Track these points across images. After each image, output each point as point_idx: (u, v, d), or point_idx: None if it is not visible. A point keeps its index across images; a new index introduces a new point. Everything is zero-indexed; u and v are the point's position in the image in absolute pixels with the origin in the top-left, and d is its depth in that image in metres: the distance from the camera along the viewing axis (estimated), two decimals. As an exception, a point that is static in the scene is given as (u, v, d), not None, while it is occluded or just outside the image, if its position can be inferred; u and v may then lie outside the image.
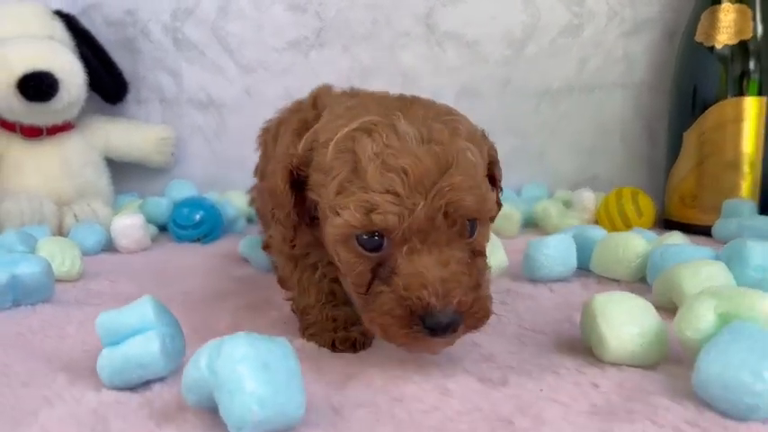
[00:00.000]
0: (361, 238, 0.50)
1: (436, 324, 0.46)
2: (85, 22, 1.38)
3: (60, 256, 0.88)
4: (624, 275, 0.83)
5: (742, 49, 1.16)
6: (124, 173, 1.44)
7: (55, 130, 1.28)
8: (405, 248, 0.48)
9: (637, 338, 0.54)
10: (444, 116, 0.51)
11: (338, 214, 0.49)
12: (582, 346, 0.59)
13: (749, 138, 1.17)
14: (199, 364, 0.43)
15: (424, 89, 1.39)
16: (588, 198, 1.26)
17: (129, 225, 1.09)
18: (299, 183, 0.55)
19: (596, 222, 1.24)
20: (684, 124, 1.24)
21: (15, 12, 1.25)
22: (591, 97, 1.43)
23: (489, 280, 0.53)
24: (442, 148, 0.48)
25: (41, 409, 0.47)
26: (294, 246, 0.60)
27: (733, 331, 0.47)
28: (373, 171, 0.47)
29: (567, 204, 1.33)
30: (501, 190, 0.60)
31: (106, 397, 0.50)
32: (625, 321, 0.54)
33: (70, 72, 1.21)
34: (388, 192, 0.47)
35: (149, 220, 1.21)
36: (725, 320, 0.52)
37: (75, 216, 1.19)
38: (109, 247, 1.11)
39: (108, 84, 1.37)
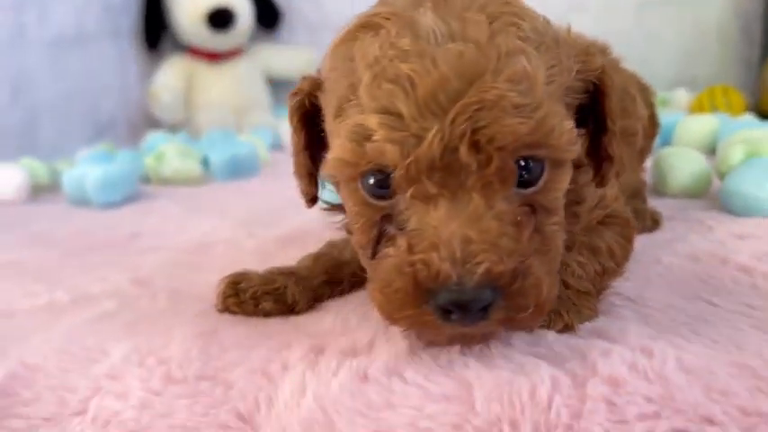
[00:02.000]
0: (368, 180, 0.36)
1: (451, 302, 0.33)
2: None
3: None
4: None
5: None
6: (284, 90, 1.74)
7: (229, 55, 1.60)
8: (411, 193, 0.35)
9: (687, 177, 0.76)
10: (498, 7, 0.36)
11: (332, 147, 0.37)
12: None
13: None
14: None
15: (537, 6, 1.57)
16: (682, 96, 1.42)
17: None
18: (313, 117, 0.42)
19: (691, 117, 1.40)
20: (777, 24, 1.35)
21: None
22: (690, 3, 1.54)
23: (560, 253, 0.39)
24: (473, 49, 0.34)
25: None
26: (313, 202, 0.46)
27: (749, 163, 0.69)
28: (368, 82, 0.34)
29: (664, 103, 1.49)
30: (614, 134, 0.42)
31: None
32: (680, 166, 0.77)
33: (242, 6, 1.52)
34: (386, 111, 0.34)
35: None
36: (749, 158, 0.73)
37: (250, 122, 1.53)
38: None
39: (266, 13, 1.66)
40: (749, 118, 1.08)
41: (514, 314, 0.34)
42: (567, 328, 0.40)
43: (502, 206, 0.34)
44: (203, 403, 0.36)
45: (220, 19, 1.48)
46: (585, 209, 0.47)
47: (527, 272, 0.34)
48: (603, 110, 0.41)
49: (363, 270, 0.51)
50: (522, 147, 0.34)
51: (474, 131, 0.33)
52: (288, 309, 0.47)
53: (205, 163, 1.11)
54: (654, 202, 0.74)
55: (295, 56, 1.72)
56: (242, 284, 0.47)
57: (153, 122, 1.57)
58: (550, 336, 0.39)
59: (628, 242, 0.51)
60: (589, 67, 0.40)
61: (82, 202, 0.93)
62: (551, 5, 1.61)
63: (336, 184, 0.40)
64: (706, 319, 0.42)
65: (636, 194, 0.70)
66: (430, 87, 0.33)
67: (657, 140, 1.05)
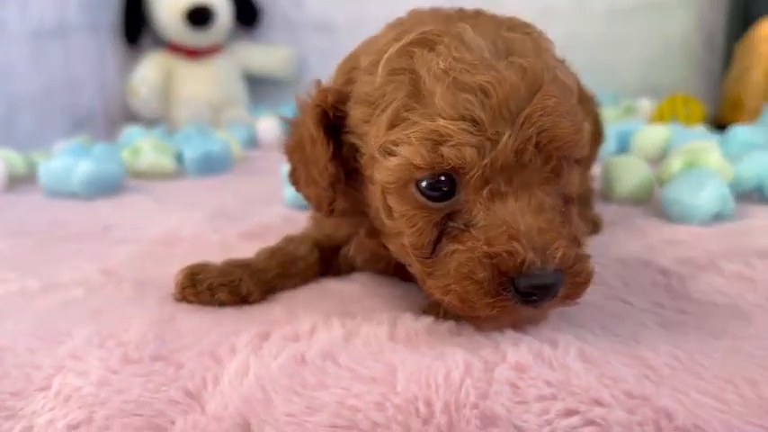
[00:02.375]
0: (422, 183, 0.40)
1: (536, 286, 0.37)
2: (226, -40, 1.70)
3: None
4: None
5: (789, -32, 1.31)
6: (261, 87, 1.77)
7: (208, 52, 1.63)
8: (486, 192, 0.38)
9: (632, 184, 0.81)
10: (522, 27, 0.43)
11: (392, 154, 0.39)
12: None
13: (792, 48, 1.34)
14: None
15: (508, 11, 1.62)
16: (645, 104, 1.47)
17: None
18: (333, 127, 0.45)
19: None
20: (738, 37, 1.41)
21: (178, -44, 1.59)
22: (657, 14, 1.60)
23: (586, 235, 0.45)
24: (529, 63, 0.38)
25: None
26: (332, 210, 0.48)
27: (685, 173, 0.74)
28: (443, 92, 0.38)
29: (629, 111, 1.54)
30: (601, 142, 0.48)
31: None
32: (625, 174, 0.82)
33: (221, 5, 1.55)
34: (463, 118, 0.37)
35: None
36: (688, 168, 0.78)
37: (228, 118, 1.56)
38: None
39: (244, 11, 1.69)
40: (701, 129, 1.13)
41: (573, 291, 0.39)
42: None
43: (555, 199, 0.40)
44: (156, 381, 0.40)
45: (199, 16, 1.51)
46: None
47: (581, 255, 0.39)
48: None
49: (316, 265, 0.56)
50: (569, 146, 0.40)
51: (539, 134, 0.38)
52: (241, 299, 0.51)
53: (179, 158, 1.14)
54: (601, 208, 0.79)
55: (273, 54, 1.75)
56: (199, 276, 0.51)
57: (131, 116, 1.59)
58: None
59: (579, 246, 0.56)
60: (573, 78, 0.46)
61: (57, 193, 0.96)
62: (522, 11, 1.65)
63: (385, 192, 0.42)
64: (618, 315, 0.47)
65: (582, 200, 0.75)
66: (502, 96, 0.37)
67: (616, 148, 1.10)
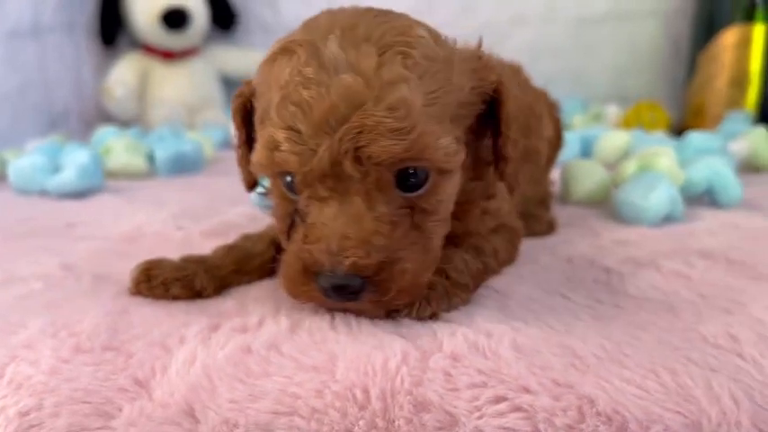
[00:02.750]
0: (281, 176, 0.45)
1: (327, 285, 0.41)
2: (203, -37, 1.71)
3: None
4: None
5: (750, -20, 1.35)
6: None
7: (184, 54, 1.64)
8: (310, 194, 0.43)
9: (588, 187, 0.84)
10: (394, 36, 0.42)
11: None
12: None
13: (752, 59, 1.38)
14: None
15: (480, 16, 1.65)
16: (613, 111, 1.51)
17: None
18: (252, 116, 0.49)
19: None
20: (702, 47, 1.45)
21: (155, -42, 1.60)
22: (625, 24, 1.64)
23: (438, 245, 0.47)
24: (360, 79, 0.40)
25: None
26: (252, 187, 0.55)
27: (638, 176, 0.77)
28: (278, 103, 0.42)
29: (598, 117, 1.58)
30: (508, 138, 0.49)
31: None
32: (582, 176, 0.84)
33: (197, 7, 1.56)
34: (290, 128, 0.41)
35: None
36: (641, 171, 0.81)
37: (204, 120, 1.57)
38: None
39: (221, 15, 1.70)
40: (660, 135, 1.16)
41: (381, 297, 0.42)
42: (434, 316, 0.47)
43: (381, 209, 0.42)
44: (105, 370, 0.41)
45: (175, 19, 1.52)
46: (484, 211, 0.56)
47: (394, 263, 0.42)
48: (500, 117, 0.48)
49: (272, 261, 0.57)
50: (398, 162, 0.41)
51: (356, 149, 0.40)
52: (195, 294, 0.52)
53: (151, 158, 1.15)
54: (558, 210, 0.81)
55: (249, 57, 1.76)
56: (154, 271, 0.52)
57: (106, 117, 1.60)
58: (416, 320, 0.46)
59: (513, 247, 0.59)
60: (484, 81, 0.47)
61: (26, 191, 0.97)
62: (493, 19, 1.70)
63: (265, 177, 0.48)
64: (555, 309, 0.49)
65: (541, 203, 0.77)
66: (322, 111, 0.40)
67: (579, 152, 1.13)
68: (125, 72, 1.57)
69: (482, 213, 0.56)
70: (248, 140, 0.51)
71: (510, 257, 0.59)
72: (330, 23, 0.43)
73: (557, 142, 0.83)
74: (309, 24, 0.45)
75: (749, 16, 1.37)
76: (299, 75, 0.41)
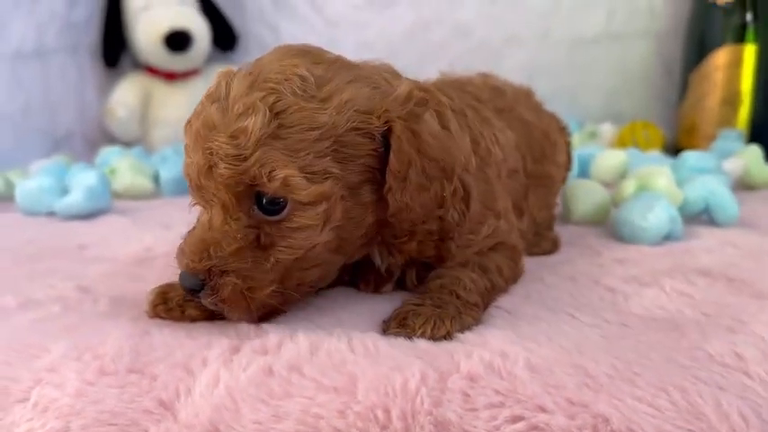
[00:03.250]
0: None
1: (180, 279, 0.49)
2: (205, -14, 1.74)
3: None
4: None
5: (740, 4, 1.39)
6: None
7: (186, 75, 1.65)
8: (192, 201, 0.52)
9: (589, 207, 0.86)
10: (278, 74, 0.47)
11: None
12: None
13: (743, 79, 1.41)
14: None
15: (476, 39, 1.68)
16: (607, 130, 1.54)
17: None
18: None
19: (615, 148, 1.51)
20: (693, 67, 1.48)
21: (157, -19, 1.62)
22: (618, 44, 1.68)
23: (283, 267, 0.49)
24: (218, 108, 0.47)
25: None
26: None
27: (637, 196, 0.79)
28: (186, 122, 0.51)
29: (592, 135, 1.61)
30: (393, 185, 0.49)
31: None
32: (582, 196, 0.86)
33: (200, 30, 1.58)
34: (187, 143, 0.50)
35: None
36: (640, 191, 0.83)
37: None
38: None
39: (222, 36, 1.72)
40: (656, 154, 1.19)
41: (217, 300, 0.48)
42: (448, 335, 0.48)
43: (231, 224, 0.48)
44: (131, 392, 0.42)
45: (178, 41, 1.53)
46: (468, 239, 0.58)
47: (224, 273, 0.47)
48: (388, 162, 0.48)
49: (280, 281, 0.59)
50: (238, 184, 0.46)
51: (209, 168, 0.47)
52: (211, 314, 0.53)
53: (156, 179, 1.16)
54: (559, 229, 0.83)
55: (251, 77, 1.78)
56: (170, 294, 0.54)
57: (109, 138, 1.61)
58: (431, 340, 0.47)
59: (515, 264, 0.60)
60: (367, 123, 0.48)
61: (34, 213, 0.98)
62: (487, 40, 1.72)
63: None
64: (564, 329, 0.51)
65: (544, 223, 0.79)
66: (195, 131, 0.48)
67: (577, 172, 1.15)
68: (127, 93, 1.58)
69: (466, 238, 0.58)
70: None
71: (514, 275, 0.61)
72: (259, 58, 0.50)
73: (567, 165, 0.85)
74: (259, 57, 0.52)
75: (740, 37, 1.40)
76: (202, 102, 0.50)
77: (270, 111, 0.45)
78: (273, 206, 0.47)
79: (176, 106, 1.63)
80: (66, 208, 0.94)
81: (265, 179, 0.45)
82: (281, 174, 0.45)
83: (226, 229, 0.47)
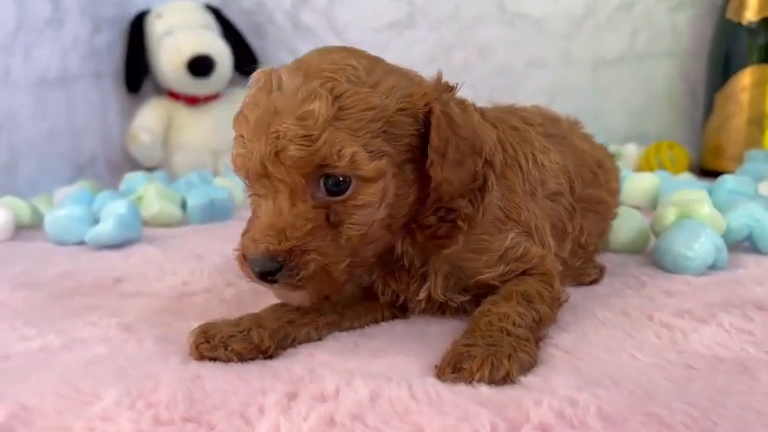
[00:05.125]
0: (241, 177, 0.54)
1: (252, 268, 0.50)
2: (226, 11, 1.74)
3: None
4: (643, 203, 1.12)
5: (764, 24, 1.38)
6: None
7: (208, 99, 1.66)
8: (251, 192, 0.53)
9: (628, 234, 0.84)
10: (329, 65, 0.50)
11: None
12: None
13: (770, 99, 1.40)
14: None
15: (498, 61, 1.68)
16: (632, 150, 1.52)
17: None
18: None
19: (640, 169, 1.50)
20: (718, 87, 1.47)
21: (179, 8, 1.63)
22: (641, 65, 1.67)
23: (354, 243, 0.51)
24: (281, 96, 0.49)
25: None
26: None
27: (678, 224, 0.77)
28: (237, 117, 0.52)
29: (617, 156, 1.59)
30: (433, 162, 0.52)
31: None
32: (621, 224, 0.85)
33: (222, 55, 1.59)
34: (239, 135, 0.51)
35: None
36: (681, 219, 0.81)
37: (226, 164, 1.58)
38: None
39: (244, 61, 1.73)
40: (688, 177, 1.17)
41: (294, 280, 0.49)
42: (508, 377, 0.47)
43: (300, 206, 0.49)
44: (189, 443, 0.41)
45: (201, 66, 1.54)
46: (481, 241, 0.59)
47: (304, 252, 0.48)
48: (431, 141, 0.52)
49: (327, 313, 0.58)
50: (308, 165, 0.48)
51: (276, 153, 0.48)
52: (256, 348, 0.52)
53: (183, 205, 1.15)
54: (598, 257, 0.81)
55: (271, 100, 1.78)
56: (211, 332, 0.53)
57: (132, 162, 1.61)
58: (493, 386, 0.46)
59: (551, 287, 0.59)
60: (412, 105, 0.52)
61: (63, 242, 0.97)
62: (510, 62, 1.72)
63: None
64: (626, 371, 0.49)
65: (596, 251, 0.78)
66: (255, 121, 0.49)
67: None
68: (150, 118, 1.58)
69: (502, 258, 0.59)
70: None
71: (553, 299, 0.59)
72: (303, 58, 0.53)
73: (617, 194, 0.84)
74: (300, 57, 0.54)
75: (765, 57, 1.39)
76: (250, 95, 0.52)
77: (330, 94, 0.48)
78: (337, 186, 0.50)
79: (198, 131, 1.63)
80: (97, 237, 0.94)
81: (335, 157, 0.48)
82: (348, 151, 0.48)
83: (296, 211, 0.49)
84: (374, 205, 0.51)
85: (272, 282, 0.49)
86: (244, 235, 0.52)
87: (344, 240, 0.50)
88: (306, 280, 0.49)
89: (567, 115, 0.83)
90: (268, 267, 0.48)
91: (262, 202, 0.51)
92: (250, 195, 0.54)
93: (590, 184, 0.74)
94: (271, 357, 0.53)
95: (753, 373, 0.48)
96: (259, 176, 0.50)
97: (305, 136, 0.47)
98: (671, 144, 1.47)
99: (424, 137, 0.52)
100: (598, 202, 0.75)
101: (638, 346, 0.54)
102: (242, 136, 0.51)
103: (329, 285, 0.51)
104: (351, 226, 0.51)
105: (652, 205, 1.10)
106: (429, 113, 0.52)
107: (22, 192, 1.25)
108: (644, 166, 1.48)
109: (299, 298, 0.52)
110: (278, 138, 0.47)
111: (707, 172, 1.50)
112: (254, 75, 0.53)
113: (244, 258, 0.50)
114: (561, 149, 0.71)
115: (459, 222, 0.56)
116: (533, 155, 0.65)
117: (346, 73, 0.50)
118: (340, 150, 0.48)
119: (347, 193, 0.50)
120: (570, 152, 0.73)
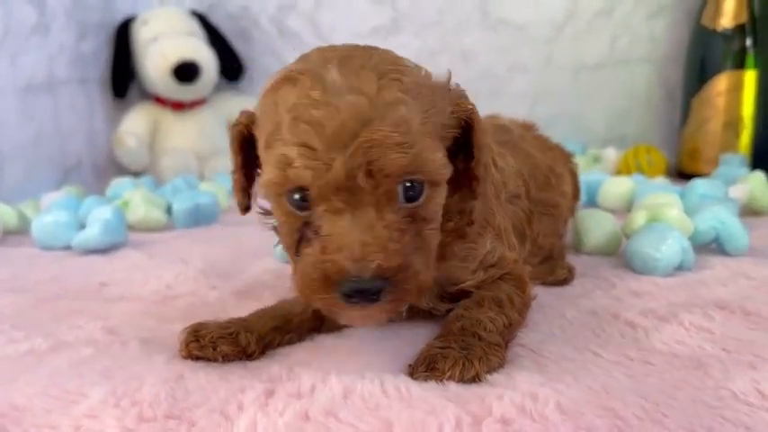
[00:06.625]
0: (289, 195, 0.47)
1: (351, 290, 0.44)
2: (211, 16, 1.76)
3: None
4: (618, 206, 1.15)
5: (739, 30, 1.42)
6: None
7: (194, 105, 1.68)
8: (324, 208, 0.46)
9: (600, 237, 0.87)
10: (387, 65, 0.47)
11: (264, 171, 0.48)
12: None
13: (744, 104, 1.43)
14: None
15: (480, 66, 1.71)
16: (611, 153, 1.56)
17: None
18: (252, 144, 0.53)
19: (619, 172, 1.53)
20: (694, 92, 1.51)
21: (165, 14, 1.65)
22: (621, 70, 1.70)
23: (434, 249, 0.51)
24: (365, 99, 0.44)
25: None
26: (246, 211, 0.58)
27: (648, 227, 0.80)
28: (288, 123, 0.45)
29: (596, 159, 1.63)
30: (479, 161, 0.53)
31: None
32: (594, 227, 0.88)
33: (207, 61, 1.61)
34: (303, 145, 0.44)
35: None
36: (650, 222, 0.84)
37: (214, 169, 1.60)
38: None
39: (229, 66, 1.75)
40: (662, 181, 1.21)
41: (401, 296, 0.46)
42: (477, 377, 0.49)
43: (390, 217, 0.46)
44: (170, 439, 0.43)
45: (186, 72, 1.56)
46: (468, 249, 0.59)
47: (408, 266, 0.46)
48: (472, 142, 0.52)
49: (312, 320, 0.60)
50: (402, 174, 0.45)
51: (368, 163, 0.44)
52: (242, 351, 0.54)
53: (168, 210, 1.17)
54: (571, 259, 0.84)
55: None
56: (202, 332, 0.55)
57: (118, 167, 1.63)
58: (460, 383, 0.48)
59: (523, 293, 0.61)
60: (461, 108, 0.51)
61: (50, 247, 0.99)
62: (492, 67, 1.75)
63: (268, 198, 0.51)
64: (589, 368, 0.51)
65: (558, 253, 0.81)
66: (334, 128, 0.43)
67: (584, 199, 1.17)
68: (136, 123, 1.60)
69: (485, 265, 0.60)
70: (245, 165, 0.54)
71: (524, 304, 0.61)
72: (325, 56, 0.48)
73: (575, 194, 0.86)
74: (305, 58, 0.50)
75: (740, 63, 1.43)
76: (308, 97, 0.45)
77: (410, 97, 0.46)
78: (414, 191, 0.47)
79: (184, 136, 1.65)
80: (83, 242, 0.95)
81: (428, 164, 0.46)
82: (438, 156, 0.47)
83: (386, 223, 0.45)
84: (440, 208, 0.51)
85: (374, 301, 0.45)
86: (317, 255, 0.46)
87: (427, 247, 0.49)
88: (411, 295, 0.47)
89: (523, 119, 0.87)
90: (378, 286, 0.44)
91: (334, 218, 0.45)
92: (320, 211, 0.46)
93: (543, 188, 0.77)
94: (251, 357, 0.55)
95: (706, 368, 0.51)
96: (338, 190, 0.45)
97: (402, 143, 0.44)
98: (648, 148, 1.51)
99: (454, 139, 0.52)
100: (552, 206, 0.77)
101: (602, 344, 0.57)
102: (309, 146, 0.44)
103: (418, 297, 0.49)
104: (429, 232, 0.50)
105: (627, 208, 1.13)
106: (470, 119, 0.51)
107: (8, 197, 1.27)
108: (623, 169, 1.51)
109: (380, 317, 0.49)
110: (371, 147, 0.43)
111: (684, 175, 1.53)
112: (278, 76, 0.48)
113: (324, 281, 0.45)
114: (513, 153, 0.74)
115: (455, 240, 0.58)
116: (493, 158, 0.67)
117: (410, 73, 0.48)
118: (432, 156, 0.46)
119: (422, 197, 0.48)
120: (522, 158, 0.75)
